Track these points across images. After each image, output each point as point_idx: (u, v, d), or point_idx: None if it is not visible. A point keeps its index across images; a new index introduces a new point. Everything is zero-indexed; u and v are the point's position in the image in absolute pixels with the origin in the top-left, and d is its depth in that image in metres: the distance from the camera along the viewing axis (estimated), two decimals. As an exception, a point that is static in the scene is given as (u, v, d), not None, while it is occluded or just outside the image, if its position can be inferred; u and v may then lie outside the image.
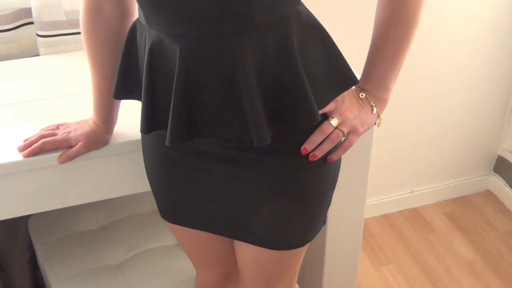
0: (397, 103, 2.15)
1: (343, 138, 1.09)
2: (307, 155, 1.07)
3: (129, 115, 1.26)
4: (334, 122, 1.06)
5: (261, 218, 1.13)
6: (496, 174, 2.54)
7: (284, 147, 1.06)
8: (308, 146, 1.05)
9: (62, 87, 1.47)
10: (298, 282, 1.44)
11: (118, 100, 1.22)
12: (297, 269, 1.31)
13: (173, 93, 0.96)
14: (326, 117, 1.07)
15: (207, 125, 0.99)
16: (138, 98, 1.08)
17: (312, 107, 0.98)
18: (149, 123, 1.04)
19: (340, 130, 1.07)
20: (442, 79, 2.21)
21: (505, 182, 2.49)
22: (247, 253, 1.24)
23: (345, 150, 1.10)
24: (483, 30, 2.17)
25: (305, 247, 1.24)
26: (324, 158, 1.09)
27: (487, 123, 2.41)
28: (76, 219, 1.73)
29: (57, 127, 1.26)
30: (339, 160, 1.17)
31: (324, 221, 1.23)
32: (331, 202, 1.57)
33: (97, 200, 1.35)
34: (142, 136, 1.20)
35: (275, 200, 1.10)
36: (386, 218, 2.43)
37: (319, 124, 1.06)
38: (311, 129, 1.06)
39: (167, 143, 1.00)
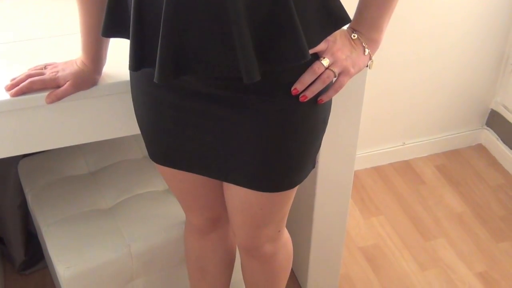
0: (391, 56, 2.15)
1: (334, 79, 1.08)
2: (297, 96, 1.06)
3: (119, 55, 1.24)
4: (325, 62, 1.05)
5: (249, 159, 1.13)
6: (488, 128, 2.54)
7: (273, 87, 1.05)
8: (298, 86, 1.04)
9: (51, 27, 1.44)
10: (288, 231, 1.45)
11: (107, 39, 1.20)
12: (285, 213, 1.31)
13: (161, 28, 0.94)
14: (317, 57, 1.06)
15: (196, 62, 0.97)
16: (127, 37, 1.06)
17: (302, 45, 0.96)
18: (137, 59, 1.02)
19: (331, 70, 1.06)
20: (437, 34, 2.19)
21: (497, 136, 2.49)
22: (235, 195, 1.24)
23: (336, 92, 1.09)
24: (480, -20, 2.14)
25: (294, 191, 1.24)
26: (315, 99, 1.08)
27: (481, 76, 2.39)
28: (66, 164, 1.72)
29: (45, 67, 1.25)
30: (330, 103, 1.16)
31: (313, 165, 1.22)
32: (321, 152, 1.58)
33: (86, 142, 1.34)
34: (130, 78, 1.19)
35: (264, 141, 1.10)
36: (377, 170, 2.44)
37: (310, 64, 1.04)
38: (301, 70, 1.05)
39: (155, 80, 0.98)
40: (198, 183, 1.28)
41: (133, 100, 1.21)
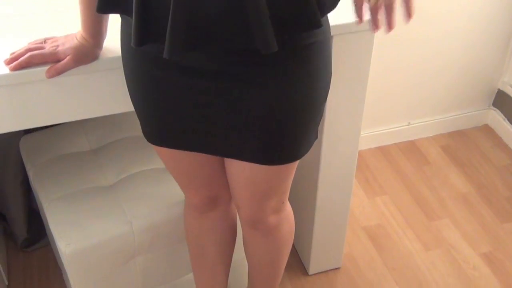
0: (397, 35, 2.11)
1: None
2: (301, 67, 1.04)
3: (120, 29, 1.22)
4: None
5: (254, 134, 1.12)
6: (495, 108, 2.51)
7: (277, 57, 1.02)
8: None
9: (51, 1, 1.42)
10: (292, 210, 1.44)
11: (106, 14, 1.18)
12: (289, 185, 1.31)
13: (172, 0, 0.92)
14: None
15: (209, 35, 0.96)
16: (124, 12, 1.04)
17: (315, 12, 0.95)
18: (142, 34, 0.99)
19: None
20: (444, 13, 2.15)
21: (504, 117, 2.47)
22: (241, 171, 1.23)
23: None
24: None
25: (297, 163, 1.24)
26: (317, 68, 1.07)
27: (488, 56, 2.36)
28: (68, 141, 1.71)
29: (45, 41, 1.23)
30: (330, 71, 1.15)
31: (316, 136, 1.22)
32: (326, 131, 1.56)
33: (87, 117, 1.33)
34: (123, 56, 1.16)
35: (268, 114, 1.09)
36: (382, 150, 2.42)
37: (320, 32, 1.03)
38: (309, 39, 1.03)
39: (166, 55, 0.96)
40: (196, 162, 1.27)
41: (126, 80, 1.18)
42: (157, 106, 1.15)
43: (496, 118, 2.50)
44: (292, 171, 1.26)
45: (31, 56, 1.18)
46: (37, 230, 1.96)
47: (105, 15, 1.18)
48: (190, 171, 1.31)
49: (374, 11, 0.86)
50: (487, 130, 2.53)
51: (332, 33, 1.25)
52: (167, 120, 1.16)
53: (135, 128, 1.76)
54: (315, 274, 1.93)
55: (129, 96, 1.27)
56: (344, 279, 1.92)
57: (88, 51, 1.20)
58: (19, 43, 1.24)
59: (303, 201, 1.81)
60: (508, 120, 2.45)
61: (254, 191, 1.27)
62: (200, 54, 1.03)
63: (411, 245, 2.03)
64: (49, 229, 1.56)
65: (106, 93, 1.29)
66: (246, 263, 1.59)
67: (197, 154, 1.23)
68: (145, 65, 1.10)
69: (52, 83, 1.22)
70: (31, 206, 1.93)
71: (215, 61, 1.04)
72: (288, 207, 1.41)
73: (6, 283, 1.89)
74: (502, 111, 2.48)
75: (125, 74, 1.18)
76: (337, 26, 1.32)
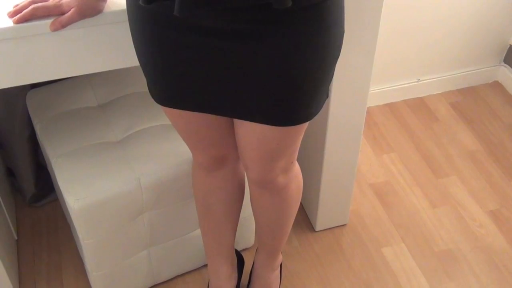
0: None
1: None
2: (312, 26, 1.01)
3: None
4: None
5: (265, 94, 1.10)
6: (506, 65, 2.47)
7: (289, 15, 1.00)
8: None
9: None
10: (300, 167, 1.44)
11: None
12: (298, 146, 1.30)
13: None
14: None
15: None
16: None
17: None
18: None
19: None
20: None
21: (514, 74, 2.44)
22: (251, 132, 1.21)
23: None
24: None
25: (307, 123, 1.22)
26: (329, 26, 1.04)
27: (500, 11, 2.31)
28: (75, 96, 1.70)
29: (49, -7, 1.21)
30: (343, 29, 1.12)
31: (327, 95, 1.20)
32: (334, 87, 1.54)
33: (92, 72, 1.31)
34: (129, 14, 1.13)
35: (280, 74, 1.07)
36: (390, 107, 2.40)
37: None
38: None
39: (176, 12, 0.94)
40: (204, 123, 1.25)
41: (133, 40, 1.16)
42: (165, 66, 1.12)
43: (506, 75, 2.47)
44: (302, 131, 1.24)
45: (34, 9, 1.16)
46: (45, 185, 1.97)
47: (110, -33, 1.15)
48: (198, 132, 1.30)
49: None
50: (497, 87, 2.50)
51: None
52: (175, 81, 1.14)
53: (143, 84, 1.73)
54: (321, 230, 1.94)
55: (134, 51, 1.25)
56: (351, 236, 1.93)
57: (92, 4, 1.18)
58: (23, -4, 1.22)
59: (311, 158, 1.80)
60: (519, 77, 2.42)
61: (264, 152, 1.25)
62: (210, 12, 1.00)
63: (418, 202, 2.03)
64: (57, 185, 1.57)
65: (111, 47, 1.27)
66: (254, 220, 1.60)
67: (205, 115, 1.21)
68: (152, 24, 1.07)
69: (56, 36, 1.20)
70: (38, 162, 1.94)
71: (225, 19, 1.01)
72: (296, 166, 1.41)
73: (16, 237, 1.91)
74: (513, 68, 2.45)
75: (131, 33, 1.16)
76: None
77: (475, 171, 2.14)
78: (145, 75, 1.20)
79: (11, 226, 1.87)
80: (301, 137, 1.27)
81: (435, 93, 2.46)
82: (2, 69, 1.22)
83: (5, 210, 1.81)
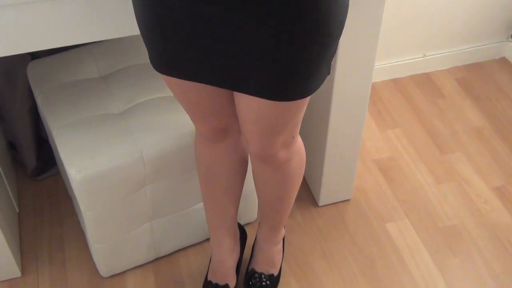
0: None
1: None
2: None
3: None
4: None
5: (264, 66, 1.07)
6: (513, 40, 2.44)
7: None
8: None
9: None
10: (303, 142, 1.42)
11: None
12: (299, 120, 1.28)
13: None
14: None
15: None
16: None
17: None
18: None
19: None
20: None
21: (522, 49, 2.41)
22: (249, 106, 1.19)
23: None
24: None
25: (308, 98, 1.19)
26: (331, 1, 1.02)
27: (510, -15, 2.28)
28: (76, 68, 1.68)
29: (49, -41, 1.18)
30: (347, 5, 1.09)
31: (328, 71, 1.17)
32: (339, 62, 1.52)
33: (93, 40, 1.29)
34: None
35: (280, 45, 1.04)
36: (396, 83, 2.37)
37: None
38: None
39: None
40: (205, 93, 1.23)
41: (134, 8, 1.14)
42: (163, 34, 1.10)
43: (514, 51, 2.44)
44: (303, 106, 1.21)
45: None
46: (46, 159, 1.96)
47: None
48: (198, 102, 1.28)
49: None
50: (504, 63, 2.47)
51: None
52: (172, 49, 1.12)
53: (145, 56, 1.71)
54: (325, 205, 1.93)
55: (135, 19, 1.23)
56: (354, 211, 1.92)
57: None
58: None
59: (315, 133, 1.78)
60: (527, 53, 2.39)
61: (263, 126, 1.23)
62: None
63: (423, 178, 2.01)
64: (59, 157, 1.55)
65: (112, 15, 1.25)
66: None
67: (205, 85, 1.19)
68: None
69: (57, 3, 1.18)
70: (40, 135, 1.92)
71: None
72: (298, 140, 1.39)
73: (17, 210, 1.90)
74: (520, 44, 2.42)
75: (132, 0, 1.13)
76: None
77: (481, 148, 2.11)
78: (145, 43, 1.18)
79: (12, 199, 1.86)
80: (302, 113, 1.24)
81: (441, 69, 2.43)
82: (2, 37, 1.20)
83: (6, 183, 1.80)
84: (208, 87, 1.20)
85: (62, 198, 1.94)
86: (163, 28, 1.09)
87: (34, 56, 1.75)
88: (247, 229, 1.77)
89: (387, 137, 2.16)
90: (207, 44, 1.07)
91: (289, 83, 1.11)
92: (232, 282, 1.63)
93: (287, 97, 1.14)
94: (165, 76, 1.21)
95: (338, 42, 1.14)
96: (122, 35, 1.30)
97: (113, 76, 1.66)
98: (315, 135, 1.78)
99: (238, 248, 1.65)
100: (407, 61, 2.36)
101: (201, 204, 1.69)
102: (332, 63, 1.43)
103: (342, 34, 1.12)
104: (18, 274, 1.73)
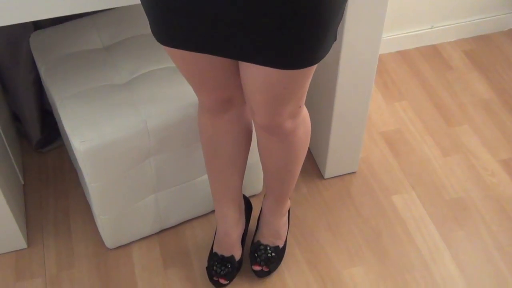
0: None
1: None
2: None
3: None
4: None
5: (272, 35, 1.06)
6: (522, 12, 2.40)
7: None
8: None
9: None
10: (309, 113, 1.40)
11: None
12: (306, 89, 1.26)
13: None
14: None
15: None
16: None
17: None
18: None
19: None
20: None
21: (531, 21, 2.37)
22: (256, 75, 1.18)
23: None
24: None
25: (315, 66, 1.18)
26: None
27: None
28: (80, 38, 1.66)
29: None
30: None
31: (335, 38, 1.15)
32: (346, 33, 1.50)
33: (96, 9, 1.27)
34: None
35: (285, 14, 1.02)
36: (403, 54, 2.35)
37: None
38: None
39: None
40: (208, 64, 1.21)
41: None
42: (165, 3, 1.08)
43: (523, 23, 2.40)
44: (309, 75, 1.20)
45: None
46: (51, 131, 1.95)
47: None
48: (202, 73, 1.26)
49: None
50: (512, 35, 2.44)
51: None
52: (176, 19, 1.10)
53: (148, 26, 1.69)
54: (331, 178, 1.92)
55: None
56: (360, 183, 1.91)
57: None
58: None
59: (321, 105, 1.76)
60: (536, 24, 2.35)
61: (269, 96, 1.22)
62: None
63: (429, 151, 2.00)
64: (63, 128, 1.54)
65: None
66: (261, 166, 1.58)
67: (208, 56, 1.17)
68: None
69: (59, -30, 1.16)
70: (44, 108, 1.91)
71: None
72: (304, 110, 1.37)
73: (22, 182, 1.90)
74: (529, 15, 2.38)
75: None
76: None
77: (488, 120, 2.10)
78: (147, 14, 1.16)
79: (17, 171, 1.86)
80: (308, 82, 1.23)
81: (448, 41, 2.40)
82: (4, 5, 1.18)
83: (11, 155, 1.80)
84: (212, 58, 1.18)
85: (67, 171, 1.93)
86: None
87: (37, 26, 1.73)
88: (252, 201, 1.77)
89: (393, 109, 2.14)
90: (212, 14, 1.05)
91: (297, 51, 1.10)
92: (237, 253, 1.63)
93: (295, 65, 1.13)
94: (168, 48, 1.19)
95: (344, 8, 1.12)
96: (125, 4, 1.28)
97: (117, 47, 1.64)
98: (321, 106, 1.76)
99: (243, 220, 1.65)
100: (414, 33, 2.33)
101: (205, 177, 1.69)
102: (339, 34, 1.41)
103: (351, 5, 1.10)
104: (24, 245, 1.73)
